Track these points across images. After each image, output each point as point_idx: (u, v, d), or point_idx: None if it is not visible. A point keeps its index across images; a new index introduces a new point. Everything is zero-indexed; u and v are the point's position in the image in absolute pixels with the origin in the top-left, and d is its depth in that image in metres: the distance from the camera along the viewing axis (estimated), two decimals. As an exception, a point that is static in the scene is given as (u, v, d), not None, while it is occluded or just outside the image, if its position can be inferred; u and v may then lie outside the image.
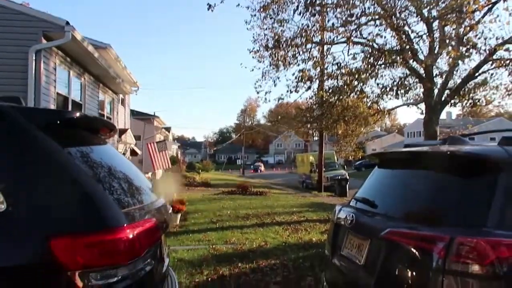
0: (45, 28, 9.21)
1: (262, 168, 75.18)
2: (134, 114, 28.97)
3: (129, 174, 2.98)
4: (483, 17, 11.44)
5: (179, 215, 10.88)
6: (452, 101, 13.35)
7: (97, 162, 2.62)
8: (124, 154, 18.45)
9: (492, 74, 12.89)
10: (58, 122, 2.43)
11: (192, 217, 11.91)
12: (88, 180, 2.25)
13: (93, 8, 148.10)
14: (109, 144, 3.20)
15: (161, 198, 3.22)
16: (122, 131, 17.44)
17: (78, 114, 2.58)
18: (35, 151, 2.20)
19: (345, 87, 13.82)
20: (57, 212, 2.06)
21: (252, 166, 77.29)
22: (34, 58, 9.01)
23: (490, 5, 11.17)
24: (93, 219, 2.10)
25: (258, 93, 15.92)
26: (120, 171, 2.87)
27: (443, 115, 14.79)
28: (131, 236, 2.15)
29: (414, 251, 2.39)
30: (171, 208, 3.31)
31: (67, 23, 9.22)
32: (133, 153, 21.29)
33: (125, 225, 2.15)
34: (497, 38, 11.74)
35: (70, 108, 10.97)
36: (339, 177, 26.31)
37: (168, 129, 48.01)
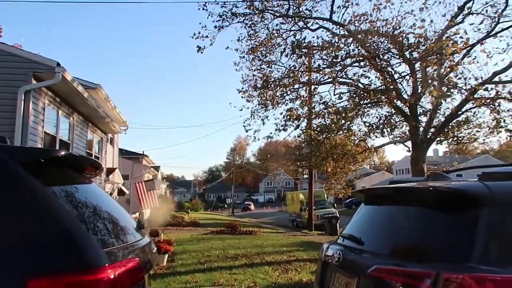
0: (35, 69, 9.32)
1: (252, 207, 74.49)
2: (123, 153, 28.88)
3: (113, 213, 2.95)
4: (462, 58, 11.93)
5: (166, 256, 10.62)
6: (437, 139, 13.62)
7: (82, 201, 2.60)
8: (111, 193, 18.18)
9: (474, 113, 13.27)
10: (42, 160, 2.42)
11: (180, 257, 11.63)
12: (71, 219, 2.23)
13: (84, 50, 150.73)
14: (94, 183, 3.18)
15: (145, 237, 3.17)
16: (110, 171, 17.29)
17: (63, 153, 2.58)
18: (17, 189, 2.18)
19: (333, 125, 14.04)
20: (37, 251, 2.02)
21: (242, 205, 76.51)
22: (23, 98, 9.05)
23: (469, 47, 11.69)
24: (74, 258, 2.06)
25: (247, 131, 16.09)
26: (105, 210, 2.84)
27: (430, 153, 15.02)
28: (112, 276, 2.11)
29: (402, 288, 2.37)
30: (155, 248, 3.26)
31: (58, 64, 9.36)
32: (121, 192, 21.01)
33: (106, 264, 2.11)
34: (476, 79, 12.20)
35: (57, 147, 10.90)
36: (330, 215, 26.14)
37: (157, 168, 47.71)
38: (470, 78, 12.29)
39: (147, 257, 2.86)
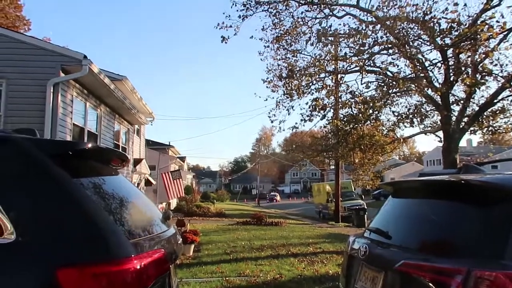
0: (63, 62, 9.57)
1: (278, 197, 74.66)
2: (150, 144, 29.40)
3: (140, 205, 3.01)
4: (498, 44, 11.42)
5: (192, 246, 10.80)
6: (471, 129, 13.19)
7: (109, 193, 2.67)
8: (138, 184, 18.61)
9: (511, 101, 12.74)
10: (70, 153, 2.49)
11: (206, 248, 11.81)
12: (98, 210, 2.29)
13: (111, 41, 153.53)
14: (121, 175, 3.25)
15: (171, 227, 3.23)
16: (137, 161, 17.66)
17: (89, 145, 2.65)
18: (46, 182, 2.25)
19: (360, 115, 13.82)
20: (65, 242, 2.09)
21: (268, 196, 76.81)
22: (52, 90, 9.33)
23: (506, 32, 11.18)
24: (101, 249, 2.12)
25: (272, 122, 16.07)
26: (131, 202, 2.91)
27: (463, 143, 14.61)
28: (138, 266, 2.16)
29: (430, 284, 2.32)
30: (181, 239, 3.31)
31: (85, 57, 9.58)
32: (148, 183, 21.45)
33: (133, 255, 2.16)
34: (514, 65, 11.69)
35: (86, 138, 11.21)
36: (357, 207, 25.87)
37: (183, 158, 48.44)
38: (507, 65, 11.81)
39: (173, 248, 2.91)
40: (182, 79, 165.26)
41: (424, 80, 12.31)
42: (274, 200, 71.37)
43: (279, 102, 15.24)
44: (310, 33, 13.41)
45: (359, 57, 12.79)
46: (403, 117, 14.45)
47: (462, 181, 2.67)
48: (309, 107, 14.31)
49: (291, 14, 13.47)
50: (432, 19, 11.19)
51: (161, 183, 18.63)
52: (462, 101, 13.11)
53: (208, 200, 39.14)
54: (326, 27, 13.07)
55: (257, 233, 16.00)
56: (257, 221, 20.22)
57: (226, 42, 12.20)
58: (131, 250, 2.19)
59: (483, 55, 10.95)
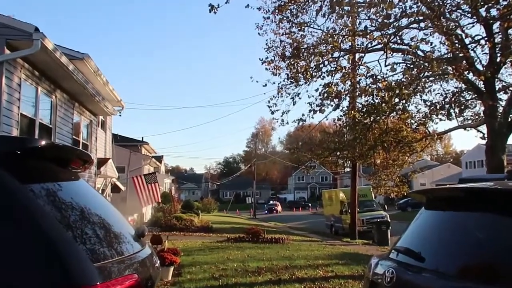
0: (9, 36, 9.48)
1: (279, 208, 74.79)
2: (118, 140, 29.36)
3: (107, 217, 2.98)
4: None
5: (171, 269, 10.79)
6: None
7: (67, 202, 2.64)
8: (103, 191, 18.56)
9: None
10: (18, 152, 2.46)
11: (188, 271, 11.78)
12: (53, 225, 2.26)
13: (72, 18, 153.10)
14: (82, 179, 3.22)
15: (146, 246, 3.20)
16: (102, 162, 17.61)
17: (43, 143, 2.62)
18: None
19: (383, 105, 13.84)
20: (9, 266, 2.05)
21: (265, 206, 76.85)
22: (-6, 71, 9.26)
23: None
24: (56, 275, 2.09)
25: (273, 113, 16.01)
26: (96, 214, 2.88)
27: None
28: (105, 298, 2.14)
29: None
30: (158, 261, 3.30)
31: (36, 29, 9.49)
32: (115, 189, 21.42)
33: (98, 283, 2.13)
34: None
35: (37, 133, 11.16)
36: (378, 219, 25.91)
37: (159, 158, 48.37)
38: None
39: (148, 272, 2.89)
40: (158, 63, 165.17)
41: (464, 62, 12.33)
42: (274, 211, 71.48)
43: (281, 88, 15.24)
44: (321, 1, 13.39)
45: (382, 31, 12.78)
46: (437, 107, 14.50)
47: (515, 190, 2.67)
48: (320, 95, 14.30)
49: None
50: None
51: (132, 189, 18.60)
52: (511, 88, 13.16)
53: (191, 211, 39.06)
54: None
55: (253, 252, 15.99)
56: (252, 237, 20.21)
57: (215, 12, 12.14)
58: (95, 276, 2.16)
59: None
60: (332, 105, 14.60)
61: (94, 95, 14.21)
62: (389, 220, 26.07)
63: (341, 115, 15.85)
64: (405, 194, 21.37)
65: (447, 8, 11.87)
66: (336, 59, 14.50)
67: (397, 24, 12.72)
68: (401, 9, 12.37)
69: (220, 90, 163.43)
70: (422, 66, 13.02)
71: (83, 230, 2.56)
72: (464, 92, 14.38)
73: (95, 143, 17.09)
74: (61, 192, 2.69)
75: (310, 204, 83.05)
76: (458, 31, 12.54)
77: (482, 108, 13.57)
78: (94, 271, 2.19)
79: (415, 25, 12.85)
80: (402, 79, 13.42)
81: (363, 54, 14.48)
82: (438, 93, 15.68)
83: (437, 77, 13.92)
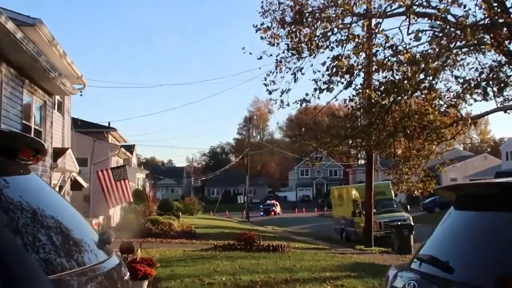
0: None
1: (278, 208, 74.91)
2: (79, 125, 29.26)
3: (64, 220, 2.98)
4: None
5: (145, 284, 10.83)
6: None
7: (15, 202, 2.63)
8: (60, 188, 18.53)
9: None
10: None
11: (167, 286, 11.85)
12: (-2, 230, 2.25)
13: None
14: (34, 173, 3.21)
15: (113, 255, 3.21)
16: (59, 152, 17.56)
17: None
18: None
19: (405, 82, 13.85)
20: None
21: (261, 206, 76.98)
22: None
23: None
24: (2, 290, 2.09)
25: (270, 92, 16.01)
26: (51, 216, 2.88)
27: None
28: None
29: None
30: (128, 273, 3.31)
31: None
32: (76, 185, 21.39)
33: (54, 300, 2.14)
34: None
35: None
36: (399, 222, 26.03)
37: (130, 148, 48.25)
38: None
39: (115, 287, 2.89)
40: (129, 32, 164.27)
41: (505, 29, 12.33)
42: (272, 213, 71.58)
43: (280, 61, 15.23)
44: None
45: (405, -9, 12.77)
46: (472, 85, 14.51)
47: None
48: (327, 70, 14.30)
49: None
50: None
51: (97, 186, 18.58)
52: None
53: (170, 213, 39.08)
54: None
55: (246, 262, 16.06)
56: (245, 245, 20.28)
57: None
58: (51, 291, 2.17)
59: None
60: (342, 83, 14.62)
61: (48, 69, 14.12)
62: (412, 223, 26.11)
63: (353, 95, 15.89)
64: (432, 191, 21.48)
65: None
66: (348, 25, 14.48)
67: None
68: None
69: (204, 65, 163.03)
70: (453, 35, 13.02)
71: (35, 236, 2.56)
72: (505, 66, 14.38)
73: (50, 129, 17.03)
74: (8, 189, 2.68)
75: (311, 202, 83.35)
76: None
77: (527, 86, 13.61)
78: (49, 285, 2.20)
79: (444, -16, 12.86)
80: (429, 51, 13.43)
81: (380, 20, 14.46)
82: (473, 67, 15.71)
83: (471, 48, 13.93)
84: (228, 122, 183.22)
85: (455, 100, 15.39)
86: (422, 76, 13.83)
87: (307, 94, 15.62)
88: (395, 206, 30.76)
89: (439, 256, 3.20)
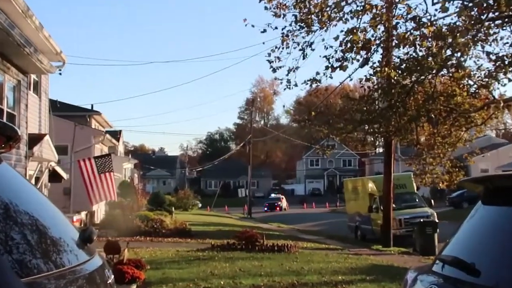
0: None
1: (284, 203, 74.94)
2: (58, 108, 29.27)
3: (41, 216, 3.00)
4: None
5: (133, 288, 10.88)
6: None
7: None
8: (37, 179, 18.58)
9: None
10: None
11: (158, 291, 11.90)
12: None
13: None
14: (5, 162, 3.22)
15: (96, 256, 3.22)
16: (35, 139, 17.58)
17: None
18: None
19: (430, 59, 13.81)
20: None
21: (265, 201, 77.07)
22: None
23: None
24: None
25: (275, 71, 15.97)
26: (26, 211, 2.89)
27: None
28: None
29: None
30: (112, 276, 3.33)
31: None
32: (55, 177, 21.43)
33: (28, 306, 2.16)
34: None
35: None
36: (422, 219, 26.08)
37: (116, 134, 48.18)
38: None
39: (98, 291, 2.91)
40: (114, 4, 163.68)
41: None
42: (278, 208, 71.66)
43: (287, 35, 15.18)
44: None
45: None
46: (506, 62, 14.46)
47: None
48: (341, 45, 14.26)
49: None
50: None
51: (78, 177, 18.62)
52: None
53: (162, 208, 39.21)
54: None
55: (247, 264, 16.13)
56: (247, 244, 20.35)
57: None
58: (25, 295, 2.19)
59: None
60: (358, 60, 14.60)
61: (22, 44, 14.10)
62: (437, 221, 26.15)
63: (370, 74, 15.82)
64: (459, 184, 21.46)
65: None
66: (364, -6, 14.43)
67: None
68: None
69: (200, 40, 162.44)
70: (485, 5, 12.95)
71: (7, 234, 2.57)
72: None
73: (25, 113, 17.03)
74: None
75: (321, 196, 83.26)
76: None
77: None
78: (23, 288, 2.21)
79: None
80: (457, 23, 13.36)
81: (402, -13, 14.42)
82: (507, 42, 15.63)
83: (506, 20, 13.85)
84: (228, 105, 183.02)
85: (486, 79, 15.33)
86: (449, 52, 13.78)
87: (317, 73, 15.60)
88: (417, 200, 30.73)
89: (464, 257, 3.21)
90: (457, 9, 13.37)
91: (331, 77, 15.21)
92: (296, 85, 16.65)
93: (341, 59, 14.43)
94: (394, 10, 14.68)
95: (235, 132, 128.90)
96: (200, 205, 68.11)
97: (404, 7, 14.48)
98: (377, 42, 14.88)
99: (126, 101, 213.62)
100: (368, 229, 30.72)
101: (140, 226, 27.17)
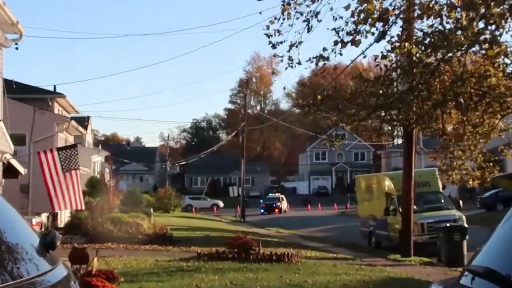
0: None
1: (284, 204, 75.06)
2: (14, 90, 29.15)
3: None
4: None
5: (104, 304, 10.90)
6: None
7: None
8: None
9: None
10: None
11: (133, 308, 11.94)
12: None
13: None
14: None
15: (59, 265, 3.23)
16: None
17: None
18: None
19: (459, 33, 13.83)
20: None
21: (262, 201, 77.15)
22: None
23: None
24: None
25: (274, 46, 15.93)
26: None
27: None
28: None
29: None
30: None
31: None
32: (10, 172, 21.42)
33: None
34: None
35: None
36: (448, 223, 26.16)
37: (84, 121, 48.10)
38: None
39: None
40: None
41: None
42: (276, 209, 71.77)
43: (288, 3, 15.16)
44: None
45: None
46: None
47: None
48: (353, 16, 14.26)
49: None
50: None
51: (38, 172, 18.58)
52: None
53: (138, 209, 39.23)
54: None
55: (240, 277, 16.17)
56: (239, 253, 20.40)
57: None
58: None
59: None
60: (373, 34, 14.59)
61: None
62: (466, 225, 26.24)
63: (388, 50, 15.84)
64: (492, 183, 21.51)
65: None
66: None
67: None
68: None
69: (185, 9, 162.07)
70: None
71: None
72: None
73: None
74: None
75: (328, 195, 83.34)
76: None
77: None
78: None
79: None
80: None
81: None
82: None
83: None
84: (217, 87, 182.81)
85: (526, 57, 15.39)
86: (481, 25, 13.80)
87: (325, 49, 15.61)
88: (442, 201, 30.78)
89: (498, 268, 3.22)
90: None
91: (340, 54, 15.08)
92: (299, 63, 16.60)
93: (353, 32, 14.44)
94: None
95: (226, 119, 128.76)
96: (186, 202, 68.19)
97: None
98: (396, 12, 14.88)
99: (95, 82, 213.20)
100: (384, 235, 30.79)
101: (112, 230, 27.15)
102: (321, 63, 16.31)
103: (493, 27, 14.06)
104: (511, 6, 14.01)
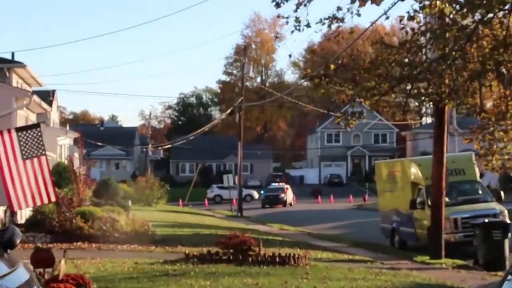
0: None
1: (289, 196, 75.18)
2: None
3: None
4: None
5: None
6: None
7: None
8: None
9: None
10: None
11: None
12: None
13: None
14: None
15: (19, 267, 3.23)
16: None
17: None
18: None
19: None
20: None
21: (263, 192, 77.26)
22: None
23: None
24: None
25: (278, 5, 15.93)
26: None
27: None
28: None
29: None
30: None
31: None
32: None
33: None
34: None
35: None
36: (487, 219, 26.19)
37: (48, 96, 48.13)
38: None
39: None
40: None
41: None
42: (280, 202, 71.90)
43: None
44: None
45: None
46: None
47: None
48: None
49: None
50: None
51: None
52: None
53: (114, 201, 39.34)
54: None
55: (237, 283, 16.22)
56: (236, 254, 20.46)
57: None
58: None
59: None
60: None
61: None
62: (508, 221, 26.29)
63: (416, 10, 15.82)
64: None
65: None
66: None
67: None
68: None
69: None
70: None
71: None
72: None
73: None
74: None
75: (343, 185, 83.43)
76: None
77: None
78: None
79: None
80: None
81: None
82: None
83: None
84: (209, 54, 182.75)
85: None
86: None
87: (339, 9, 15.58)
88: (480, 192, 30.79)
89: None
90: None
91: (358, 15, 14.96)
92: (308, 25, 16.53)
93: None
94: None
95: (220, 94, 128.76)
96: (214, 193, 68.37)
97: None
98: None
99: (62, 48, 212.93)
100: (409, 232, 30.87)
101: (83, 227, 27.22)
102: (334, 26, 16.29)
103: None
104: None
